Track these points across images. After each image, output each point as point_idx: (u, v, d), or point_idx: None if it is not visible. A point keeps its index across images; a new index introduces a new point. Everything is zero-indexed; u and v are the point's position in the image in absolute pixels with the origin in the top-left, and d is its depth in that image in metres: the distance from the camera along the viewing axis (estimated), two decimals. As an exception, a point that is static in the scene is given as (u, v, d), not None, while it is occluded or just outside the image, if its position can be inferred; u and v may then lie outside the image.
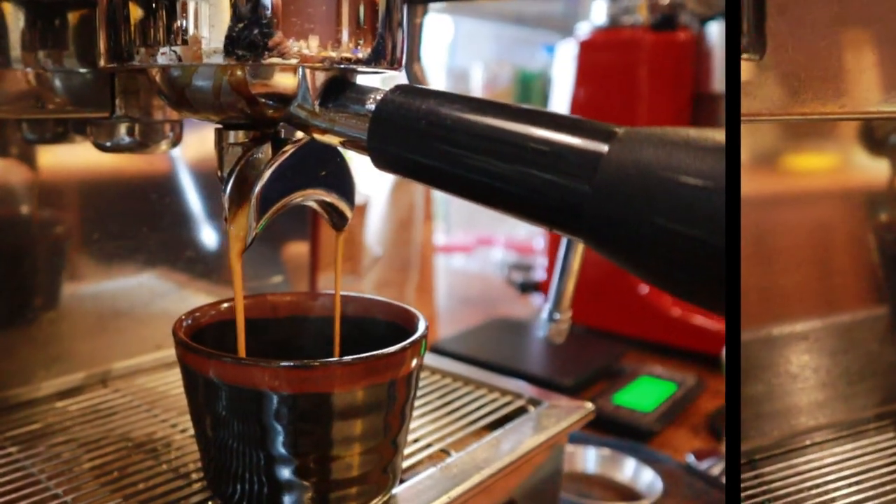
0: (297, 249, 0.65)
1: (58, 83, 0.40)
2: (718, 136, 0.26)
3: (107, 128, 0.43)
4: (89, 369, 0.53)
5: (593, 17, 0.95)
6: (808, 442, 0.49)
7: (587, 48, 0.94)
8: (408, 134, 0.32)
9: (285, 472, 0.36)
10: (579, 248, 0.52)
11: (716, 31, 0.88)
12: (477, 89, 1.57)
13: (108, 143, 0.43)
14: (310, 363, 0.35)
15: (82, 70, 0.40)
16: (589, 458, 0.62)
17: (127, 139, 0.43)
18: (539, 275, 1.16)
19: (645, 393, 0.77)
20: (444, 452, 0.45)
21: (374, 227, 0.85)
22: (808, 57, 0.36)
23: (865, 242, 0.53)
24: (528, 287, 1.15)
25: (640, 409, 0.73)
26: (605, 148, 0.27)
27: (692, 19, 0.90)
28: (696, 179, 0.25)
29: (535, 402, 0.52)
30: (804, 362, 0.50)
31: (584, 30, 0.96)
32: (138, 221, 0.55)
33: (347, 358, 0.35)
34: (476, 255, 1.48)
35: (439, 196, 0.90)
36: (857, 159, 0.53)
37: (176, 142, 0.45)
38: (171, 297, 0.58)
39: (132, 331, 0.56)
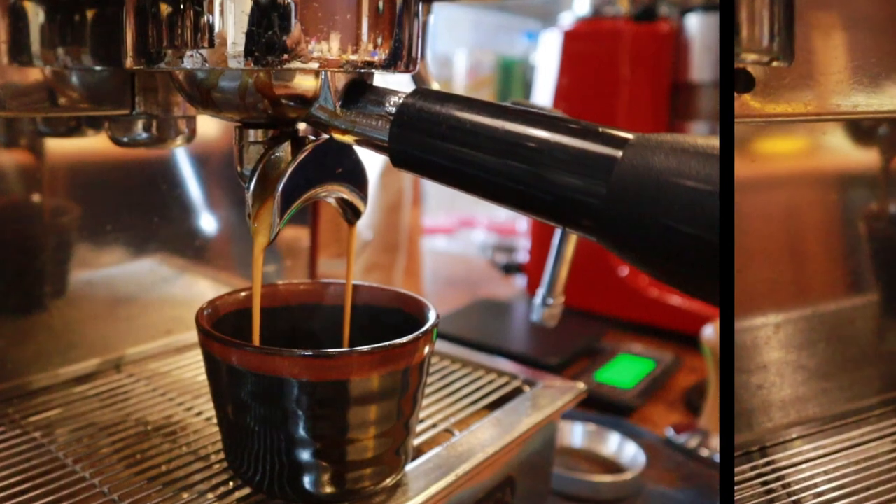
0: (297, 235, 0.67)
1: (76, 81, 0.40)
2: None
3: (124, 123, 0.43)
4: (104, 355, 0.54)
5: (576, 7, 0.97)
6: (814, 430, 0.51)
7: (570, 38, 0.96)
8: (429, 137, 0.33)
9: (305, 454, 0.38)
10: (573, 236, 0.54)
11: (695, 23, 0.90)
12: (460, 76, 1.58)
13: (126, 139, 0.44)
14: (329, 352, 0.36)
15: (100, 68, 0.40)
16: (575, 434, 0.65)
17: (144, 135, 0.44)
18: (521, 256, 1.18)
19: (625, 370, 0.80)
20: (449, 432, 0.47)
21: (364, 211, 0.85)
22: (826, 59, 0.38)
23: (862, 230, 0.55)
24: (511, 268, 1.16)
25: (621, 385, 0.76)
26: (619, 153, 0.29)
27: (672, 11, 0.93)
28: (702, 184, 0.27)
29: (529, 383, 0.54)
30: (806, 352, 0.52)
31: (567, 20, 0.98)
32: (149, 212, 0.56)
33: (365, 347, 0.37)
34: (458, 236, 1.49)
35: (425, 180, 0.91)
36: (853, 148, 0.55)
37: (191, 137, 0.46)
38: (180, 284, 0.59)
39: (144, 317, 0.56)
